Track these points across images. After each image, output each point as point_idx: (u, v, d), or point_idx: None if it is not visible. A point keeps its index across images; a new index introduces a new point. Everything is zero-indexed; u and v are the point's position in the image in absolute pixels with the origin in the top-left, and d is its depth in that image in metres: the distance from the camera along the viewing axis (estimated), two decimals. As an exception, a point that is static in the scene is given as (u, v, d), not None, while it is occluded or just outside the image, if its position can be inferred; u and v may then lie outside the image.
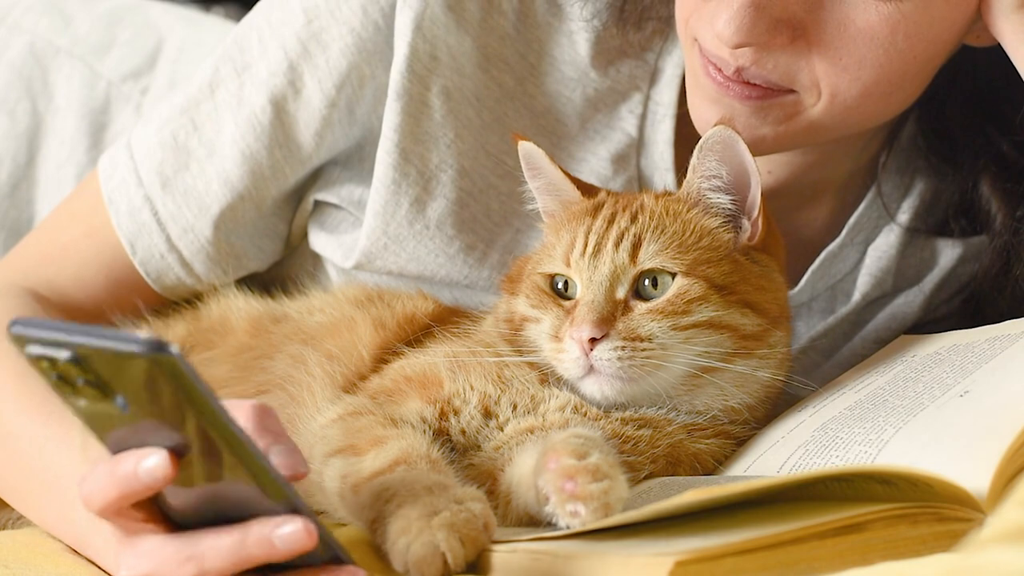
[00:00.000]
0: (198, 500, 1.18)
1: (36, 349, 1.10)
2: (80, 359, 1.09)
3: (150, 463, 1.14)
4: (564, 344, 1.46)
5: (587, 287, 1.47)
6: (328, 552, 1.18)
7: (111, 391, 1.11)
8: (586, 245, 1.49)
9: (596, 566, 1.18)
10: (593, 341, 1.43)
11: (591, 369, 1.45)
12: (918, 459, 1.29)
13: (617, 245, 1.48)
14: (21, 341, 1.10)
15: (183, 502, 1.18)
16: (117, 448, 1.16)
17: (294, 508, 1.15)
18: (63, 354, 1.09)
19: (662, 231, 1.49)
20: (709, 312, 1.46)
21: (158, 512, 1.20)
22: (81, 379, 1.10)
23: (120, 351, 1.08)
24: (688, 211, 1.51)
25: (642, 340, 1.44)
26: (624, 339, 1.44)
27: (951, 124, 1.73)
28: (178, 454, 1.13)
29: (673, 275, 1.47)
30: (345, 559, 1.19)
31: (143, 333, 1.09)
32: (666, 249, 1.48)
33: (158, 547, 1.20)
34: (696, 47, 1.58)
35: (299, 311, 1.68)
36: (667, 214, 1.50)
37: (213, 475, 1.14)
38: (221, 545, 1.17)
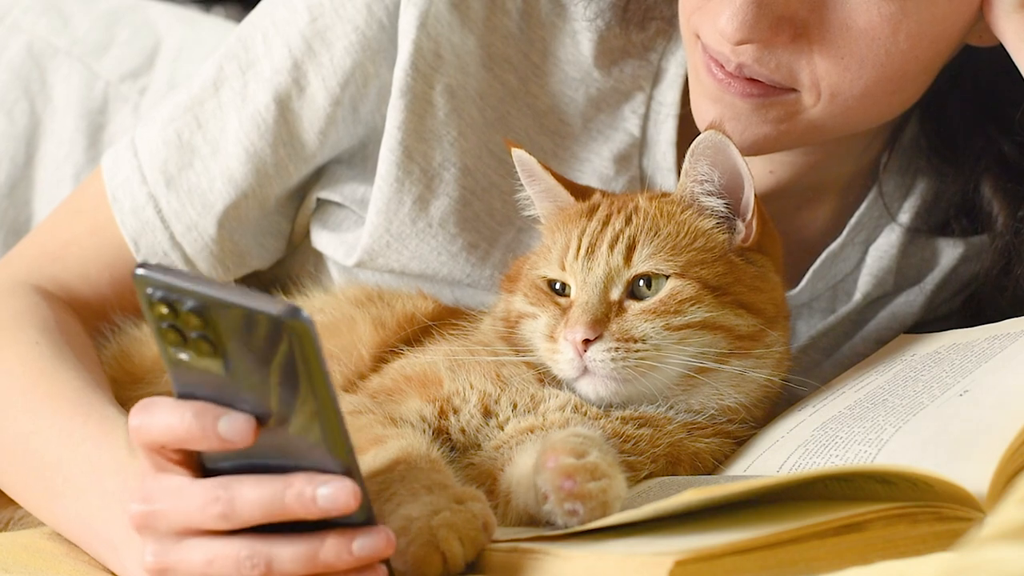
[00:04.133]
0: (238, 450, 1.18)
1: (159, 293, 1.12)
2: (205, 311, 1.11)
3: (235, 427, 1.15)
4: (559, 345, 1.46)
5: (581, 288, 1.48)
6: (365, 516, 1.18)
7: (220, 350, 1.13)
8: (579, 247, 1.50)
9: (596, 565, 1.18)
10: (587, 342, 1.44)
11: (585, 370, 1.45)
12: (918, 458, 1.29)
13: (612, 247, 1.48)
14: (144, 283, 1.12)
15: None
16: (186, 392, 1.18)
17: (348, 471, 1.16)
18: (188, 303, 1.11)
19: (656, 233, 1.49)
20: (702, 313, 1.47)
21: (192, 456, 1.20)
22: (197, 332, 1.12)
23: (253, 310, 1.10)
24: (682, 212, 1.52)
25: (635, 341, 1.44)
26: (617, 340, 1.44)
27: (953, 124, 1.73)
28: (260, 420, 1.15)
29: (667, 276, 1.48)
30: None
31: (278, 298, 1.13)
32: (660, 251, 1.48)
33: (185, 485, 1.19)
34: (698, 44, 1.58)
35: (299, 311, 1.68)
36: (661, 215, 1.51)
37: (275, 429, 1.15)
38: (257, 493, 1.16)
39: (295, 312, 1.10)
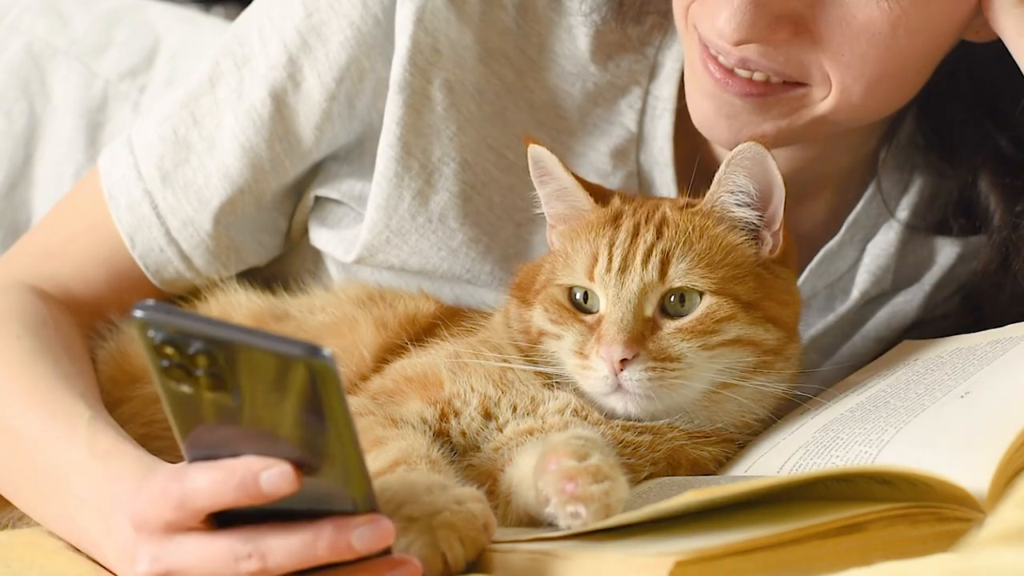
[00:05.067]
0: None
1: (161, 335, 1.08)
2: (216, 353, 1.08)
3: (274, 474, 1.12)
4: (591, 361, 1.45)
5: (614, 304, 1.46)
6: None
7: (230, 385, 1.09)
8: (611, 259, 1.47)
9: (596, 566, 1.18)
10: (623, 362, 1.42)
11: (619, 387, 1.44)
12: (918, 459, 1.29)
13: (645, 262, 1.46)
14: (144, 326, 1.09)
15: None
16: (197, 444, 1.15)
17: (372, 507, 1.15)
18: (195, 345, 1.08)
19: (690, 247, 1.47)
20: (737, 330, 1.46)
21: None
22: (203, 370, 1.09)
23: (272, 351, 1.07)
24: (715, 226, 1.50)
25: (672, 360, 1.44)
26: (655, 360, 1.43)
27: (950, 121, 1.72)
28: (298, 465, 1.12)
29: (701, 293, 1.46)
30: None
31: (293, 337, 1.10)
32: (695, 267, 1.46)
33: (205, 543, 1.18)
34: (695, 34, 1.57)
35: (300, 309, 1.67)
36: (693, 229, 1.49)
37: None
38: (288, 543, 1.15)
39: (316, 351, 1.07)
